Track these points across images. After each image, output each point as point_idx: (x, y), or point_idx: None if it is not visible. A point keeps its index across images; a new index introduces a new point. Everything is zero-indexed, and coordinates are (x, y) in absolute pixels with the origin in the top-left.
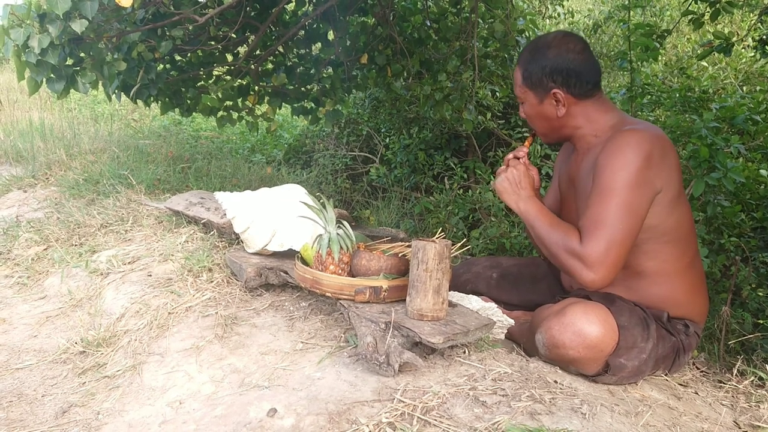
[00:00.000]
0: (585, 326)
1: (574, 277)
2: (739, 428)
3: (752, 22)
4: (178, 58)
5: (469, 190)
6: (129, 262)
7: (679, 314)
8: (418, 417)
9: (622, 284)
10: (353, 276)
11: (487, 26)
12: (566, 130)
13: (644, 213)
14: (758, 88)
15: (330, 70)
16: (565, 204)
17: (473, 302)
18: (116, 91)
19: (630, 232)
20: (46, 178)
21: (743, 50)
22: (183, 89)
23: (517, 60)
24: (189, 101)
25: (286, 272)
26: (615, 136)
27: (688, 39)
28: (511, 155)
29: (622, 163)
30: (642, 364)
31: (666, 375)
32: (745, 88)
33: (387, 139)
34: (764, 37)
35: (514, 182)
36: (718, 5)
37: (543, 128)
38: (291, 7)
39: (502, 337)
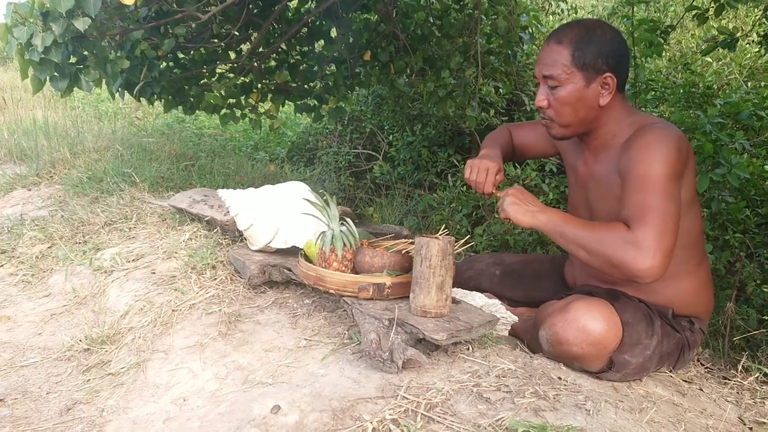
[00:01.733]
0: (588, 323)
1: (628, 270)
2: (744, 424)
3: (757, 17)
4: (181, 55)
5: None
6: (133, 260)
7: (685, 312)
8: (422, 414)
9: (630, 283)
10: (356, 273)
11: (490, 23)
12: (592, 124)
13: (679, 207)
14: (763, 83)
15: (333, 67)
16: (572, 202)
17: (477, 299)
18: (119, 89)
19: (677, 219)
20: (50, 177)
21: (748, 45)
22: (186, 87)
23: (559, 38)
24: (192, 99)
25: (289, 269)
26: (644, 132)
27: (692, 34)
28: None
29: (658, 155)
30: (646, 360)
31: (670, 371)
32: (749, 83)
33: (390, 136)
34: None
35: (522, 200)
36: (722, 0)
37: (572, 118)
38: (294, 4)
39: (506, 333)
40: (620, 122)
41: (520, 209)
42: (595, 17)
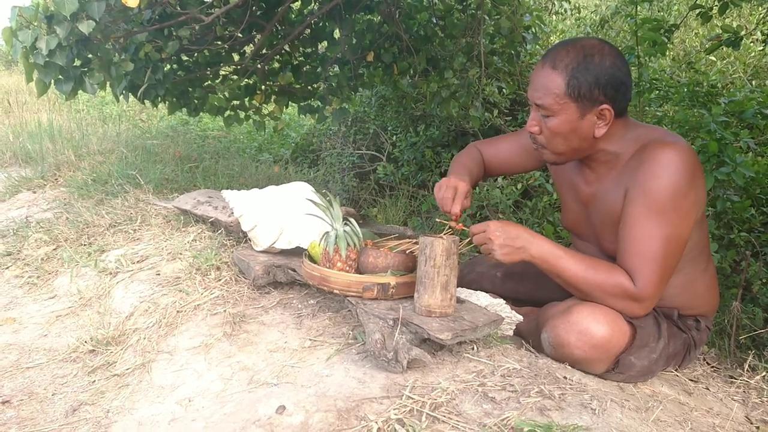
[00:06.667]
0: (591, 326)
1: (623, 313)
2: (751, 423)
3: (761, 15)
4: (184, 58)
5: (477, 187)
6: (137, 261)
7: (691, 313)
8: (427, 413)
9: None
10: (361, 273)
11: (493, 23)
12: (587, 151)
13: (689, 236)
14: (767, 82)
15: (336, 68)
16: (570, 215)
17: (481, 298)
18: (124, 91)
19: (678, 260)
20: (55, 179)
21: (752, 44)
22: (190, 89)
23: (554, 62)
24: (196, 101)
25: (293, 270)
26: (652, 152)
27: (696, 33)
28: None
29: (670, 184)
30: (652, 363)
31: (676, 370)
32: (754, 82)
33: (394, 137)
34: None
35: (509, 241)
36: None
37: (564, 148)
38: (297, 5)
39: (511, 333)
40: (621, 140)
41: (511, 251)
42: (598, 17)
